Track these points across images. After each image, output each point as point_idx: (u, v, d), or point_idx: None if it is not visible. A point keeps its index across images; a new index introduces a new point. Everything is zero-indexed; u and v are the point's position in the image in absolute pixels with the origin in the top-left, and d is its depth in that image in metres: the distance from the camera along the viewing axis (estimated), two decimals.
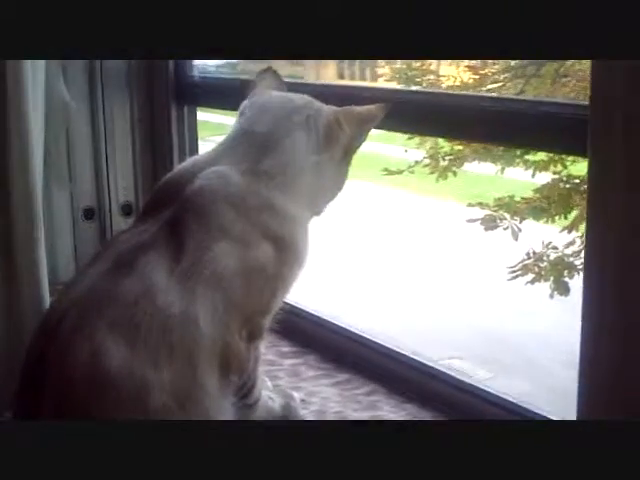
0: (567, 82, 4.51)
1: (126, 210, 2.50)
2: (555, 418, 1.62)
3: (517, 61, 4.80)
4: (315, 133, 1.55)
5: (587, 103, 1.37)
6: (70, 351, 1.33)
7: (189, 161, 1.63)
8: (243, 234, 1.45)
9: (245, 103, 1.65)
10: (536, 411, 1.67)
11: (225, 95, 2.34)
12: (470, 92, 4.79)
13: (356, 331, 2.03)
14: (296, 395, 1.76)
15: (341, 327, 2.06)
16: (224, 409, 1.47)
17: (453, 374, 1.83)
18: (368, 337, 1.99)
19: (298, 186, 1.54)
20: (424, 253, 5.89)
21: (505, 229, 4.92)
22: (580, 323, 1.41)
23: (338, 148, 1.57)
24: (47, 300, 2.06)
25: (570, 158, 4.28)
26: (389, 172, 5.39)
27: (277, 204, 1.49)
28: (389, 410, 1.77)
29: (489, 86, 4.91)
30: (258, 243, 1.46)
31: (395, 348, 1.94)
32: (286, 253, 1.50)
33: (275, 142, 1.53)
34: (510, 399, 1.72)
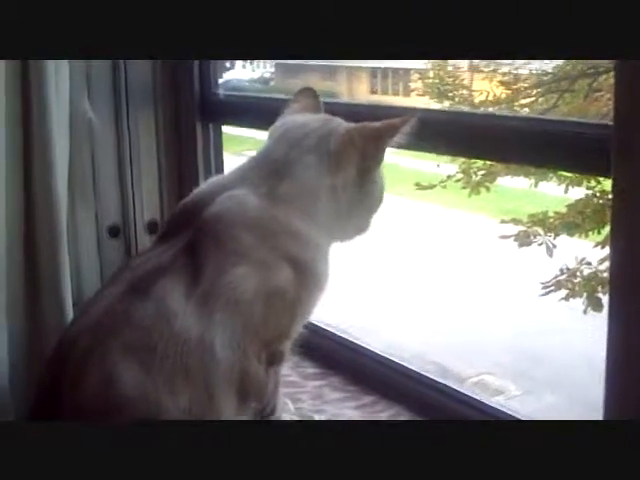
0: (600, 97, 4.47)
1: (151, 228, 2.49)
2: None
3: (550, 76, 4.76)
4: (326, 155, 1.51)
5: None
6: (84, 374, 1.32)
7: (207, 183, 1.61)
8: (262, 258, 1.43)
9: (273, 126, 1.63)
10: None
11: (250, 112, 2.34)
12: (503, 107, 4.76)
13: (382, 353, 2.00)
14: (318, 418, 1.74)
15: (366, 348, 2.04)
16: None
17: (479, 398, 1.80)
18: (393, 359, 1.96)
19: (315, 210, 1.50)
20: (457, 269, 5.85)
21: (540, 245, 4.88)
22: (606, 337, 1.39)
23: (351, 168, 1.52)
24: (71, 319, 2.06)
25: None
26: (421, 187, 5.37)
27: (295, 228, 1.47)
28: None
29: (522, 101, 4.88)
30: (277, 267, 1.44)
31: (421, 371, 1.91)
32: (306, 277, 1.47)
33: (287, 168, 1.51)
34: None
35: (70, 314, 2.07)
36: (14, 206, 2.00)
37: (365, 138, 1.52)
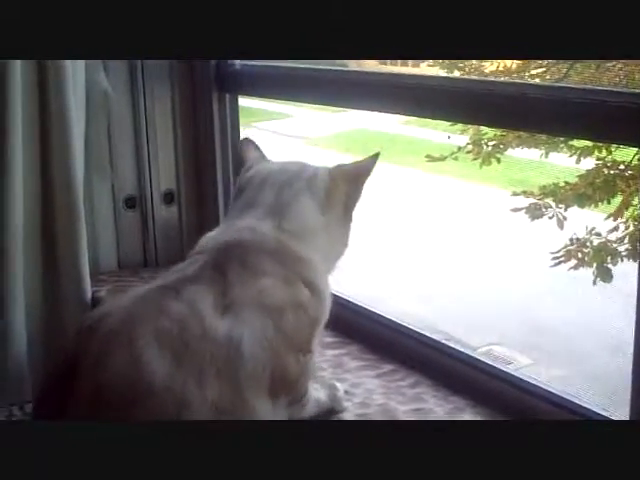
0: (612, 67, 4.44)
1: (168, 199, 2.50)
2: (595, 405, 1.60)
3: None
4: (317, 195, 1.61)
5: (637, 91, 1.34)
6: (109, 353, 1.33)
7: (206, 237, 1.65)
8: (283, 276, 1.50)
9: (241, 178, 1.71)
10: (574, 400, 1.65)
11: (267, 82, 2.33)
12: (514, 77, 4.73)
13: (400, 321, 2.01)
14: (340, 386, 1.75)
15: (385, 317, 2.04)
16: None
17: (499, 366, 1.80)
18: (412, 327, 1.97)
19: (315, 243, 1.59)
20: (467, 240, 5.85)
21: (551, 218, 4.86)
22: (635, 314, 1.39)
23: (339, 206, 1.63)
24: (88, 290, 2.07)
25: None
26: (432, 159, 5.33)
27: (305, 256, 1.56)
28: (435, 403, 1.74)
29: (532, 71, 4.84)
30: (298, 285, 1.51)
31: (440, 339, 1.91)
32: (318, 299, 1.55)
33: (285, 207, 1.59)
34: (555, 391, 1.69)
35: (87, 286, 2.08)
36: (32, 178, 2.01)
37: (346, 179, 1.64)
